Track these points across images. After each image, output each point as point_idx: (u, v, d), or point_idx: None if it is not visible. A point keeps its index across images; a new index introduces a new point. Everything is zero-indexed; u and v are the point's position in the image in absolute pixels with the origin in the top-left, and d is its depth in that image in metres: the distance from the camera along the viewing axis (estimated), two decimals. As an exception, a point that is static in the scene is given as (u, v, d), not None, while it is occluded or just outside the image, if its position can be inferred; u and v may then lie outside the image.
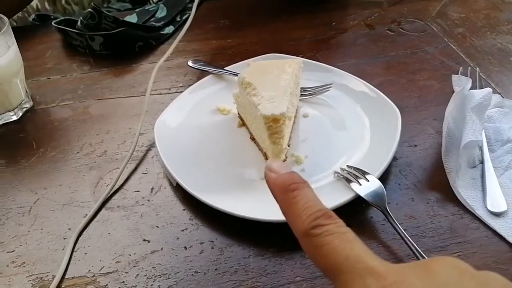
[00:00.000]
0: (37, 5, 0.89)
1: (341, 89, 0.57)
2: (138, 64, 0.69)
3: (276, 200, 0.29)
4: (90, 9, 0.67)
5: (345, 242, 0.24)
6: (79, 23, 0.70)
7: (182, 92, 0.59)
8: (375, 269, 0.22)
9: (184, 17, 0.77)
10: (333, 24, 0.75)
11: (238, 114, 0.55)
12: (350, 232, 0.24)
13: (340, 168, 0.48)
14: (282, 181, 0.28)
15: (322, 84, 0.57)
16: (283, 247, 0.43)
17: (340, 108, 0.56)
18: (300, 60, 0.53)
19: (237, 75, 0.59)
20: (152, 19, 0.77)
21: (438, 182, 0.48)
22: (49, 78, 0.67)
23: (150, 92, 0.58)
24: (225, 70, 0.60)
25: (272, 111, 0.45)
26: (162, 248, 0.44)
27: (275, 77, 0.49)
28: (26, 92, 0.61)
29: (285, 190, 0.28)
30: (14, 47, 0.57)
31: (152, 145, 0.55)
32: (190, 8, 0.78)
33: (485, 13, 0.76)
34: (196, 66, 0.62)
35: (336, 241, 0.24)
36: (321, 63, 0.61)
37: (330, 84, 0.57)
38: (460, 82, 0.58)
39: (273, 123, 0.45)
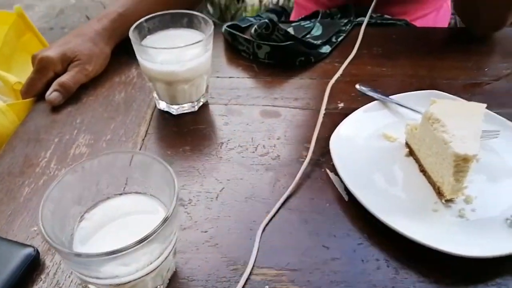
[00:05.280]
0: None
1: (506, 138, 0.59)
2: (298, 78, 0.74)
3: None
4: (266, 20, 0.73)
5: None
6: (252, 30, 0.76)
7: (346, 113, 0.63)
8: None
9: (339, 39, 0.81)
10: (486, 70, 0.76)
11: (407, 143, 0.59)
12: None
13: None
14: None
15: (487, 130, 0.60)
16: (461, 280, 0.46)
17: (506, 155, 0.58)
18: (484, 105, 0.55)
19: (406, 107, 0.63)
20: (308, 36, 0.81)
21: None
22: (218, 77, 0.74)
23: (318, 108, 0.63)
24: (393, 100, 0.64)
25: (466, 151, 0.48)
26: (340, 257, 0.48)
27: (464, 118, 0.52)
28: (207, 87, 0.67)
29: None
30: (210, 46, 0.63)
31: (321, 157, 0.59)
32: (345, 31, 0.83)
33: None
34: (363, 91, 0.66)
35: None
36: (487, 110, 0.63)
37: (498, 130, 0.59)
38: None
39: (463, 162, 0.48)
